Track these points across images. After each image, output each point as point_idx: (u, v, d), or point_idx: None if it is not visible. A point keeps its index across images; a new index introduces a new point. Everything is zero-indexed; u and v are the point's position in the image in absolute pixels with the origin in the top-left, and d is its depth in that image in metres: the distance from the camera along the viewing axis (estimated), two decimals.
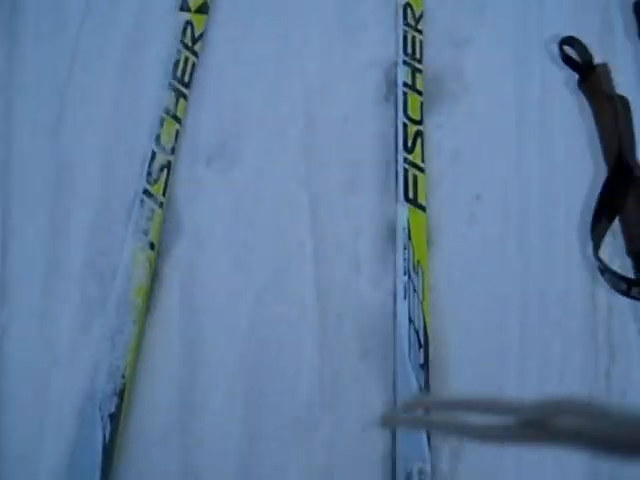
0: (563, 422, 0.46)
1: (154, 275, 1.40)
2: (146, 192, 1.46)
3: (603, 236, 0.70)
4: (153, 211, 1.44)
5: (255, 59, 1.62)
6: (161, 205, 1.46)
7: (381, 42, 1.66)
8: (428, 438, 1.23)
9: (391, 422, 0.89)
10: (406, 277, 1.38)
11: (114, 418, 1.23)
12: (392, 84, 1.63)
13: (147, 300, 1.37)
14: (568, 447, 0.46)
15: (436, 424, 0.66)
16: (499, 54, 1.65)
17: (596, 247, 0.75)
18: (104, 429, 1.20)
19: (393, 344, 1.33)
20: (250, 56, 1.62)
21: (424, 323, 1.34)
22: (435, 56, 1.65)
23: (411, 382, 1.27)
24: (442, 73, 1.63)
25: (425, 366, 1.30)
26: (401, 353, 1.30)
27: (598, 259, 0.71)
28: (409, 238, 1.43)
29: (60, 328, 1.30)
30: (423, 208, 1.48)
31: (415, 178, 1.51)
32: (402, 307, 1.36)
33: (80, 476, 1.16)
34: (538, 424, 0.48)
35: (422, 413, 0.69)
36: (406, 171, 1.51)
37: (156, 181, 1.48)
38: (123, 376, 1.26)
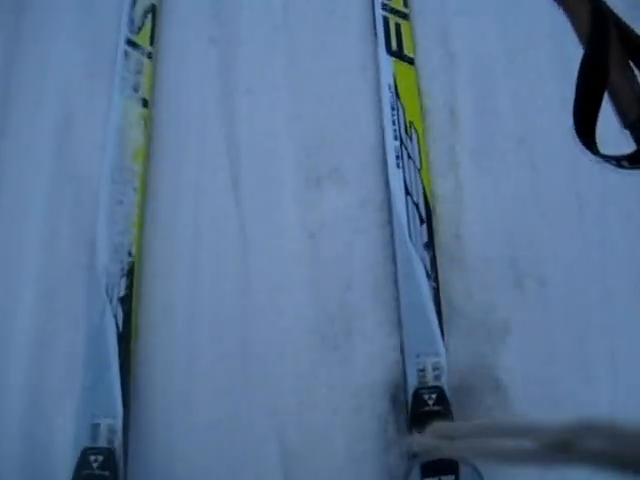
0: (588, 444, 0.45)
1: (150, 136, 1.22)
2: (130, 42, 1.23)
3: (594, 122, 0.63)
4: (141, 63, 1.23)
5: None
6: (149, 56, 1.24)
7: None
8: (441, 330, 1.06)
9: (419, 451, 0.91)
10: (397, 142, 1.18)
11: (125, 302, 1.07)
12: None
13: (147, 164, 1.18)
14: (594, 469, 0.44)
15: (463, 450, 0.65)
16: None
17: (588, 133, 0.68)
18: (116, 316, 1.05)
19: (390, 223, 1.15)
20: None
21: (424, 194, 1.14)
22: None
23: (415, 266, 1.08)
24: None
25: (430, 245, 1.11)
26: (400, 233, 1.11)
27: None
28: (397, 96, 1.22)
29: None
30: (411, 61, 1.25)
31: (398, 27, 1.29)
32: (396, 177, 1.16)
33: (97, 370, 1.02)
34: (564, 446, 0.47)
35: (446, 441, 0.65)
36: (386, 19, 1.29)
37: (140, 29, 1.26)
38: (130, 254, 1.10)
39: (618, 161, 0.65)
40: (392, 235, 1.13)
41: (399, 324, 1.09)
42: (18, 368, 1.08)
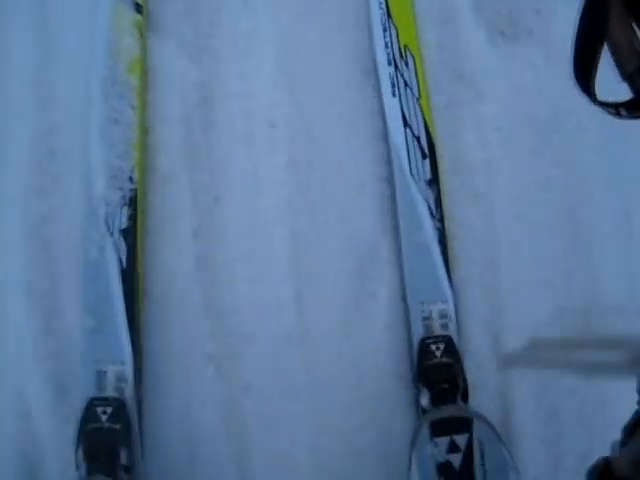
0: None
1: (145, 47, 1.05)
2: None
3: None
4: None
5: None
6: None
7: None
8: (448, 274, 0.96)
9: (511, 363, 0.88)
10: (392, 67, 1.04)
11: (128, 234, 0.94)
12: None
13: (144, 76, 1.04)
14: None
15: (551, 362, 0.71)
16: None
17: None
18: (118, 250, 0.92)
19: (389, 163, 1.02)
20: None
21: (425, 125, 1.02)
22: None
23: (417, 205, 0.97)
24: None
25: (434, 181, 0.99)
26: (400, 169, 0.99)
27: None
28: (388, 15, 1.07)
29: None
30: None
31: None
32: (392, 107, 1.02)
33: (100, 310, 0.90)
34: None
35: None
36: None
37: None
38: (131, 179, 0.96)
39: (616, 108, 0.63)
40: (391, 172, 1.01)
41: (401, 269, 0.99)
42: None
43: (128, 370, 0.89)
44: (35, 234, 0.99)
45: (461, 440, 0.83)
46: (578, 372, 0.68)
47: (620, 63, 0.70)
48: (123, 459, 0.84)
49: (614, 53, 0.69)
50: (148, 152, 1.02)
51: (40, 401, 0.93)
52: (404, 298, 0.98)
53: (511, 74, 1.09)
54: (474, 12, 1.10)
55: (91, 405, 0.86)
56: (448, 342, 0.91)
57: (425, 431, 0.84)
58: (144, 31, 1.04)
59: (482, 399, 0.95)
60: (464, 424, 0.84)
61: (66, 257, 0.97)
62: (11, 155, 1.02)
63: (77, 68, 1.04)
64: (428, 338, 0.92)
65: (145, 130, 1.02)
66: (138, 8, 1.03)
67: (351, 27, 1.09)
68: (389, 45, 1.05)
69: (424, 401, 0.90)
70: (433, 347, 0.91)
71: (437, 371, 0.90)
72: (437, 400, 0.89)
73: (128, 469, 0.85)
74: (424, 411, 0.90)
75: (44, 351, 0.95)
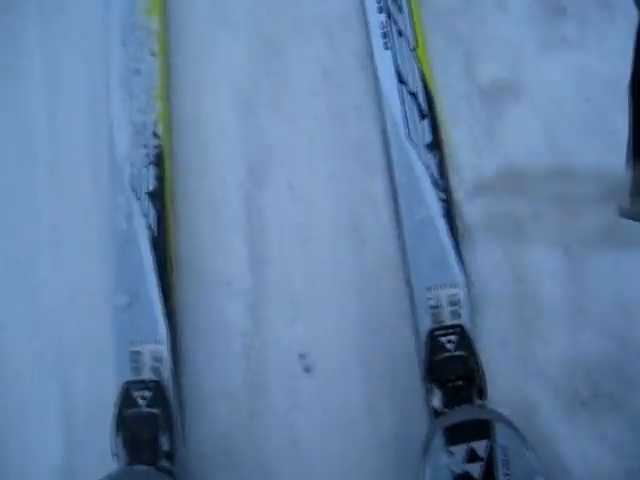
0: None
1: None
2: None
3: None
4: None
5: None
6: None
7: None
8: (458, 254, 0.83)
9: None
10: (383, 15, 0.90)
11: (156, 197, 0.84)
12: None
13: (164, 21, 0.92)
14: None
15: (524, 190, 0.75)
16: None
17: None
18: (147, 215, 0.83)
19: (382, 121, 0.88)
20: None
21: (423, 81, 0.87)
22: None
23: (417, 173, 0.84)
24: None
25: (435, 145, 0.86)
26: (395, 133, 0.85)
27: None
28: None
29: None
30: None
31: None
32: (384, 61, 0.88)
33: (131, 284, 0.82)
34: None
35: None
36: None
37: None
38: (155, 135, 0.87)
39: None
40: (386, 136, 0.87)
41: (402, 250, 0.86)
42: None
43: (164, 349, 0.80)
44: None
45: (481, 447, 0.70)
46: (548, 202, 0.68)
47: None
48: (164, 445, 0.77)
49: None
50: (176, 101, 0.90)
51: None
52: (408, 283, 0.85)
53: None
54: None
55: (128, 389, 0.78)
56: (460, 332, 0.79)
57: (438, 439, 0.72)
58: None
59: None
60: (483, 428, 0.71)
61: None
62: None
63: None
64: (437, 329, 0.79)
65: (167, 79, 0.90)
66: None
67: None
68: None
69: (436, 402, 0.77)
70: (443, 339, 0.79)
71: (449, 366, 0.78)
72: (450, 400, 0.77)
73: (169, 455, 0.78)
74: (436, 414, 0.78)
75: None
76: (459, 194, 0.87)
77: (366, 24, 0.91)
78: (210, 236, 0.88)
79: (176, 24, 0.95)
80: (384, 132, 0.87)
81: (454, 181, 0.86)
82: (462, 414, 0.74)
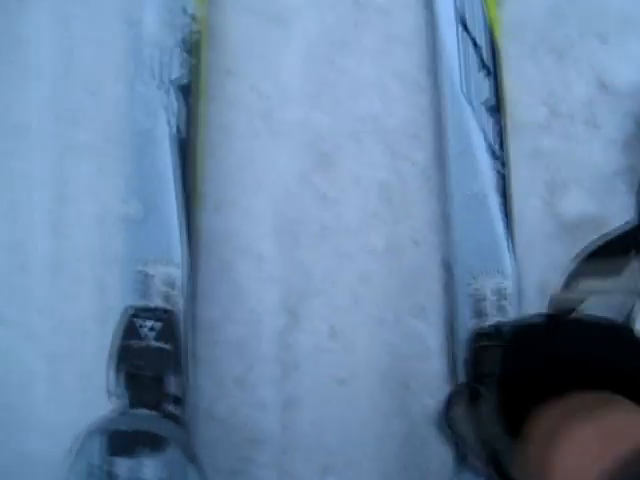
0: None
1: None
2: None
3: None
4: None
5: None
6: None
7: None
8: (510, 237, 0.70)
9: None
10: None
11: (187, 90, 0.70)
12: None
13: None
14: None
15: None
16: None
17: None
18: (171, 110, 0.69)
19: (432, 76, 0.75)
20: None
21: (488, 26, 0.72)
22: None
23: (471, 138, 0.70)
24: None
25: (496, 107, 0.71)
26: (450, 85, 0.71)
27: None
28: None
29: None
30: None
31: None
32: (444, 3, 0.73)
33: (147, 193, 0.68)
34: None
35: None
36: None
37: None
38: (192, 16, 0.71)
39: None
40: (439, 90, 0.73)
41: (445, 228, 0.73)
42: None
43: (179, 273, 0.66)
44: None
45: None
46: None
47: None
48: (171, 388, 0.65)
49: None
50: None
51: None
52: (448, 269, 0.72)
53: None
54: None
55: (132, 317, 0.66)
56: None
57: None
58: None
59: None
60: None
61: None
62: None
63: None
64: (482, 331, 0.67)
65: None
66: None
67: None
68: None
69: None
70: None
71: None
72: None
73: (177, 400, 0.66)
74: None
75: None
76: None
77: None
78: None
79: None
80: (435, 82, 0.73)
81: None
82: None
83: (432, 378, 0.73)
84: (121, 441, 0.59)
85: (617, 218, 0.72)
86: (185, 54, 0.70)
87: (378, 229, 0.75)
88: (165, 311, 0.66)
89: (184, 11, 0.71)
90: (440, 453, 0.72)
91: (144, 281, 0.67)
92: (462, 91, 0.72)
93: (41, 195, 0.74)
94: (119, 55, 0.74)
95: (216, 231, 0.73)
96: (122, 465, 0.59)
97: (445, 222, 0.73)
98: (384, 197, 0.75)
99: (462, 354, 0.69)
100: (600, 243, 0.67)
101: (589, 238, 0.69)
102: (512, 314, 0.69)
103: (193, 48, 0.71)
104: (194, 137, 0.70)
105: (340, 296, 0.74)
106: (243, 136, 0.74)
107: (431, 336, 0.74)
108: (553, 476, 0.40)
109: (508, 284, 0.69)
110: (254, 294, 0.73)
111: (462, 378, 0.69)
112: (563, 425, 0.42)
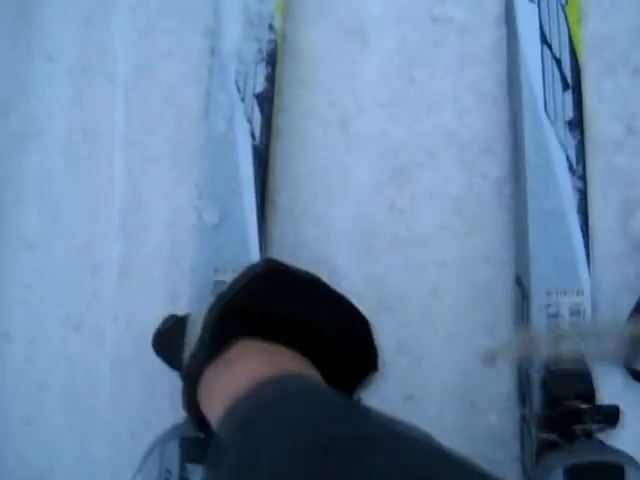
0: None
1: None
2: None
3: None
4: None
5: None
6: None
7: None
8: (587, 255, 0.68)
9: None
10: None
11: (265, 99, 0.71)
12: None
13: None
14: None
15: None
16: None
17: None
18: (250, 120, 0.70)
19: (508, 92, 0.75)
20: None
21: (571, 44, 0.71)
22: None
23: (551, 154, 0.69)
24: None
25: (577, 123, 0.70)
26: (530, 103, 0.70)
27: None
28: None
29: None
30: None
31: None
32: (527, 14, 0.72)
33: (224, 198, 0.69)
34: None
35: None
36: None
37: None
38: (271, 28, 0.73)
39: None
40: (519, 106, 0.72)
41: (519, 244, 0.71)
42: None
43: None
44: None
45: None
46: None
47: None
48: None
49: None
50: None
51: None
52: (520, 283, 0.71)
53: None
54: None
55: None
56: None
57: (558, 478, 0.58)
58: None
59: None
60: (614, 475, 0.58)
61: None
62: None
63: None
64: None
65: None
66: None
67: None
68: None
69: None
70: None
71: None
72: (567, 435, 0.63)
73: None
74: (548, 445, 0.63)
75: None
76: None
77: None
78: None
79: None
80: (518, 102, 0.72)
81: None
82: (588, 452, 0.60)
83: (498, 397, 0.72)
84: (195, 448, 0.59)
85: None
86: (264, 65, 0.71)
87: (450, 243, 0.73)
88: None
89: (264, 23, 0.72)
90: (503, 472, 0.70)
91: (216, 290, 0.66)
92: (544, 108, 0.70)
93: (116, 200, 0.75)
94: (197, 64, 0.75)
95: (289, 241, 0.72)
96: (195, 472, 0.59)
97: (519, 238, 0.72)
98: (457, 211, 0.74)
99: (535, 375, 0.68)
100: None
101: None
102: (590, 333, 0.67)
103: (271, 60, 0.72)
104: (270, 146, 0.70)
105: (409, 310, 0.73)
106: (318, 147, 0.74)
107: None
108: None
109: (584, 302, 0.67)
110: None
111: (532, 399, 0.68)
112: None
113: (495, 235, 0.74)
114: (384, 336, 0.71)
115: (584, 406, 0.63)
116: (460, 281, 0.73)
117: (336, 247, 0.73)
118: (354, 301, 0.72)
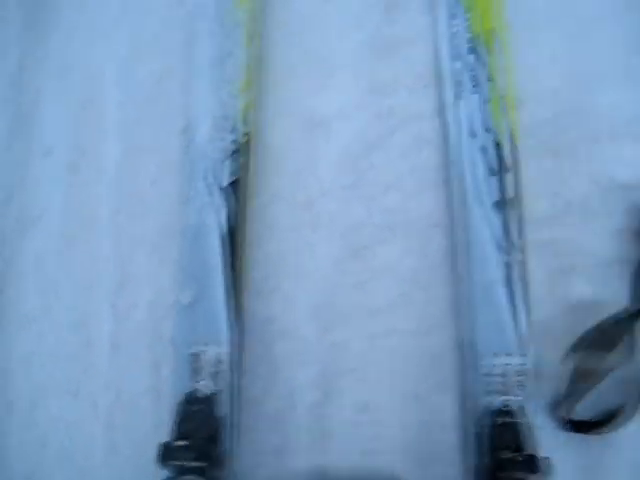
0: None
1: None
2: None
3: None
4: None
5: None
6: None
7: None
8: (521, 320, 0.75)
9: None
10: (459, 63, 0.83)
11: (237, 190, 0.79)
12: None
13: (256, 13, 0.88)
14: None
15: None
16: None
17: None
18: (219, 210, 0.77)
19: (446, 175, 0.83)
20: None
21: (496, 134, 0.80)
22: None
23: (482, 231, 0.77)
24: None
25: (502, 204, 0.78)
26: (460, 189, 0.80)
27: None
28: None
29: None
30: None
31: None
32: (457, 112, 0.82)
33: (197, 278, 0.77)
34: None
35: None
36: None
37: None
38: (241, 123, 0.81)
39: None
40: (452, 189, 0.81)
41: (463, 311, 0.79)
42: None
43: (227, 354, 0.74)
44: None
45: None
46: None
47: None
48: (216, 455, 0.72)
49: None
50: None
51: None
52: (461, 348, 0.79)
53: None
54: None
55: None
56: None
57: None
58: None
59: None
60: None
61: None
62: None
63: None
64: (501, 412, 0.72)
65: (254, 67, 0.86)
66: None
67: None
68: (458, 35, 0.84)
69: None
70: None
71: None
72: None
73: (221, 466, 0.72)
74: None
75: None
76: None
77: (440, 70, 0.85)
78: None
79: None
80: (450, 192, 0.81)
81: None
82: None
83: (450, 449, 0.78)
84: None
85: (615, 303, 0.78)
86: (232, 159, 0.79)
87: (406, 311, 0.81)
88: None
89: (234, 119, 0.81)
90: None
91: (194, 361, 0.74)
92: (473, 192, 0.79)
93: (106, 280, 0.83)
94: (177, 158, 0.84)
95: (259, 315, 0.80)
96: None
97: (463, 306, 0.79)
98: (413, 281, 0.82)
99: (476, 428, 0.74)
100: (595, 327, 0.74)
101: (590, 320, 0.75)
102: (525, 390, 0.73)
103: (241, 152, 0.80)
104: (240, 231, 0.78)
105: (370, 373, 0.80)
106: (286, 228, 0.83)
107: (452, 410, 0.79)
108: None
109: (518, 362, 0.74)
110: (292, 372, 0.80)
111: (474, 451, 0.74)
112: None
113: (447, 303, 0.81)
114: (347, 397, 0.79)
115: (515, 457, 0.69)
116: (416, 345, 0.81)
117: (303, 319, 0.81)
118: (318, 366, 0.80)
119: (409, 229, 0.83)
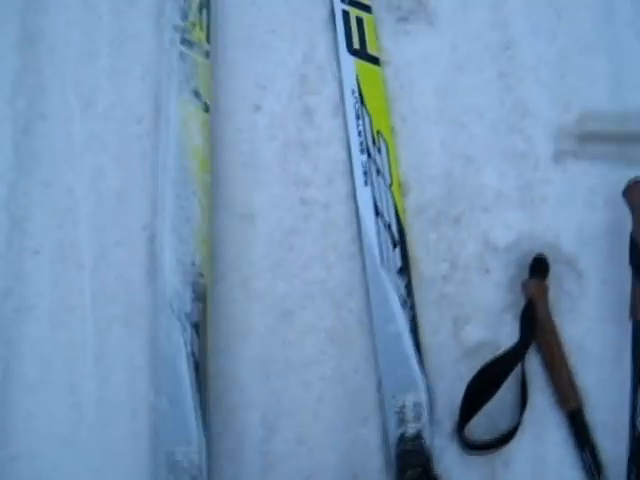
0: None
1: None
2: (185, 41, 1.06)
3: None
4: (198, 64, 1.06)
5: None
6: (207, 55, 1.08)
7: None
8: (420, 363, 0.98)
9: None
10: (365, 156, 1.07)
11: (199, 327, 0.95)
12: None
13: (211, 173, 1.05)
14: None
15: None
16: None
17: None
18: (189, 343, 0.93)
19: (360, 249, 1.06)
20: None
21: (396, 212, 1.04)
22: None
23: (388, 293, 1.00)
24: None
25: (404, 270, 1.02)
26: (371, 259, 1.02)
27: None
28: (362, 102, 1.09)
29: None
30: (376, 60, 1.13)
31: (360, 22, 1.15)
32: (364, 196, 1.05)
33: (171, 394, 0.93)
34: None
35: None
36: (346, 14, 1.14)
37: (194, 25, 1.09)
38: (202, 275, 0.98)
39: None
40: (363, 260, 1.04)
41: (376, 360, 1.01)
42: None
43: (197, 454, 0.91)
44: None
45: None
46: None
47: None
48: None
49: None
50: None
51: None
52: (379, 389, 1.00)
53: None
54: None
55: None
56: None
57: None
58: (210, 130, 1.06)
59: None
60: None
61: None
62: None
63: None
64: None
65: (210, 225, 1.05)
66: (206, 107, 1.05)
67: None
68: (362, 133, 1.07)
69: None
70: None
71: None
72: None
73: None
74: None
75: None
76: None
77: (350, 162, 1.08)
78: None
79: None
80: (362, 261, 1.05)
81: None
82: None
83: (374, 471, 1.00)
84: None
85: (507, 342, 1.00)
86: (198, 302, 0.96)
87: (328, 363, 1.03)
88: None
89: (199, 274, 0.98)
90: None
91: (170, 457, 0.91)
92: (380, 261, 1.01)
93: (88, 358, 1.03)
94: (142, 252, 1.07)
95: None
96: None
97: (376, 354, 1.01)
98: (331, 339, 1.04)
99: (393, 453, 0.96)
100: (493, 359, 0.97)
101: (486, 358, 0.96)
102: (426, 420, 0.96)
103: (203, 296, 0.97)
104: (204, 355, 0.95)
105: (303, 413, 1.01)
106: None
107: (373, 439, 1.01)
108: None
109: (421, 398, 0.97)
110: (242, 416, 1.01)
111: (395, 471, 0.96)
112: None
113: (360, 354, 1.04)
114: (286, 434, 1.00)
115: (419, 475, 0.93)
116: (339, 388, 1.02)
117: (246, 372, 1.02)
118: (260, 410, 1.00)
119: (326, 297, 1.06)
